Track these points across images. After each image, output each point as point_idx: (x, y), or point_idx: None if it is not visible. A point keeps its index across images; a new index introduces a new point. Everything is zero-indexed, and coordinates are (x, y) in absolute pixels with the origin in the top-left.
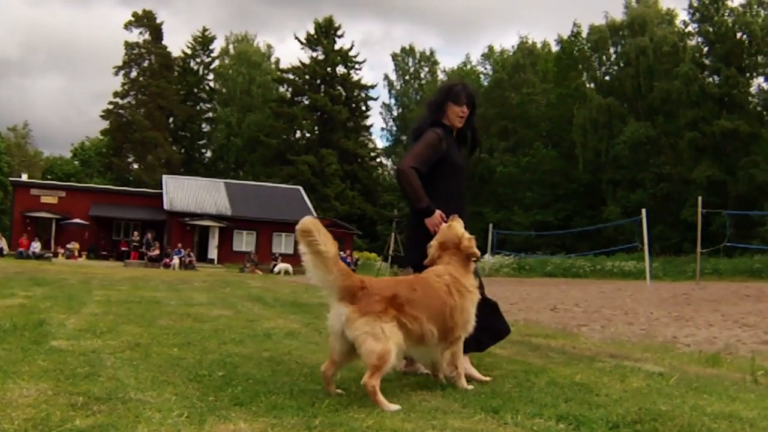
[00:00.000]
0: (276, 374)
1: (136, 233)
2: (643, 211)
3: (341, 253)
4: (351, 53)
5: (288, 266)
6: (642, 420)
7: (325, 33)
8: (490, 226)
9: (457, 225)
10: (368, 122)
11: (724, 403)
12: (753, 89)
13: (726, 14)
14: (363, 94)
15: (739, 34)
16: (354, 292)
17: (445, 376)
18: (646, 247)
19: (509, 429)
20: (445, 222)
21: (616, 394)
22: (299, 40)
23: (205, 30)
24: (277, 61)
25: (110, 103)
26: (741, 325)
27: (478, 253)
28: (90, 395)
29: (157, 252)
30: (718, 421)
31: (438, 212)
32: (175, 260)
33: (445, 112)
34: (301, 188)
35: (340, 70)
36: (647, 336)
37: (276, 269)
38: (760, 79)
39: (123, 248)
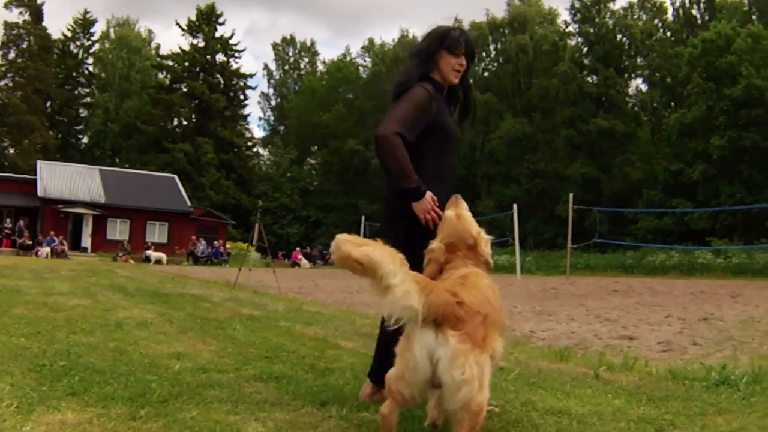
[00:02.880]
0: (116, 364)
1: (8, 220)
2: (515, 206)
3: (215, 242)
4: (231, 41)
5: (162, 255)
6: None
7: (206, 20)
8: (363, 218)
9: (468, 216)
10: (246, 111)
11: (558, 398)
12: (630, 90)
13: (607, 16)
14: (241, 83)
15: (619, 36)
16: (452, 311)
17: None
18: (516, 241)
19: (332, 422)
20: (438, 208)
21: None
22: (180, 27)
23: (86, 12)
24: (158, 47)
25: None
26: (603, 319)
27: (492, 263)
28: None
29: (29, 240)
30: (547, 417)
31: (429, 194)
32: (44, 250)
33: (437, 64)
34: (176, 177)
35: (220, 58)
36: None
37: (151, 258)
38: (638, 81)
39: None
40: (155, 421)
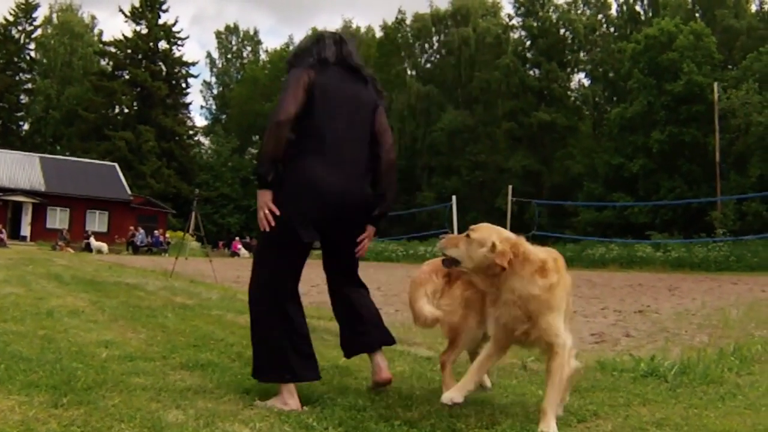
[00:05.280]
0: (44, 352)
1: None
2: (453, 197)
3: (155, 232)
4: (174, 29)
5: (103, 245)
6: (390, 405)
7: (150, 7)
8: None
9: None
10: (188, 100)
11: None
12: (573, 84)
13: (550, 10)
14: (184, 71)
15: (562, 31)
16: None
17: None
18: (455, 232)
19: (253, 410)
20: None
21: None
22: (123, 13)
23: None
24: (100, 34)
25: None
26: None
27: None
28: None
29: None
30: (468, 407)
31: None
32: None
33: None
34: (116, 165)
35: (163, 45)
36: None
37: (92, 247)
38: (581, 75)
39: None
40: (77, 409)
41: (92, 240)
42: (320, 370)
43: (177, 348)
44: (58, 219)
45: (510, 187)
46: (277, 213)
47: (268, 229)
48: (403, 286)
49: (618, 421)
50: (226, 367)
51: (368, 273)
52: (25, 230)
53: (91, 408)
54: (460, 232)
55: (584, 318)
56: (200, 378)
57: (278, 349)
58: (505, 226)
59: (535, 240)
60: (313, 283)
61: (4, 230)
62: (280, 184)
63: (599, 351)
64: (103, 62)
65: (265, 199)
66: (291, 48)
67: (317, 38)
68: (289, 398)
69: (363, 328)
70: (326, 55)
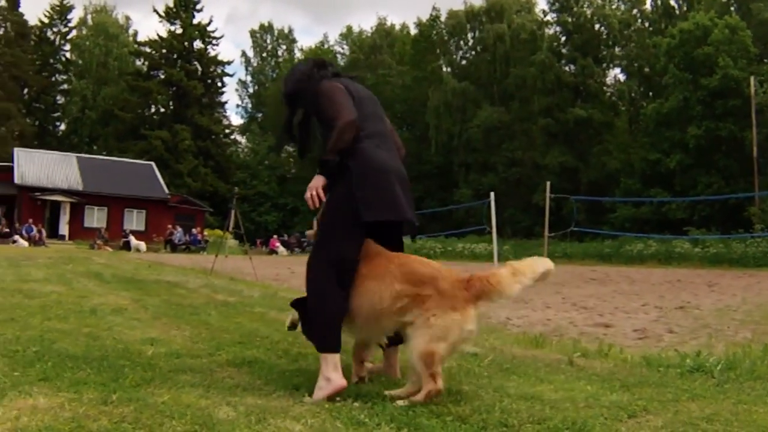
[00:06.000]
0: (89, 350)
1: None
2: (491, 194)
3: (193, 230)
4: (209, 28)
5: (142, 244)
6: (441, 400)
7: (184, 7)
8: None
9: None
10: (223, 99)
11: (531, 384)
12: (608, 80)
13: (585, 5)
14: (219, 70)
15: (597, 26)
16: None
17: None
18: (494, 229)
19: (304, 407)
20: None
21: None
22: (158, 13)
23: None
24: (135, 34)
25: None
26: (579, 307)
27: None
28: None
29: (6, 228)
30: (519, 402)
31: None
32: (21, 241)
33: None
34: (153, 164)
35: (198, 45)
36: (479, 317)
37: (130, 246)
38: (616, 71)
39: None
40: (126, 406)
41: (131, 238)
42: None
43: (222, 345)
44: (95, 218)
45: (548, 183)
46: (323, 199)
47: (312, 208)
48: None
49: (668, 416)
50: (273, 364)
51: None
52: (63, 229)
53: (141, 405)
54: (498, 229)
55: (626, 314)
56: (248, 375)
57: (332, 322)
58: (542, 223)
59: (573, 236)
60: None
61: (42, 229)
62: (344, 172)
63: (643, 347)
64: (138, 62)
65: (318, 183)
66: (326, 46)
67: (315, 63)
68: (332, 373)
69: None
70: (333, 71)
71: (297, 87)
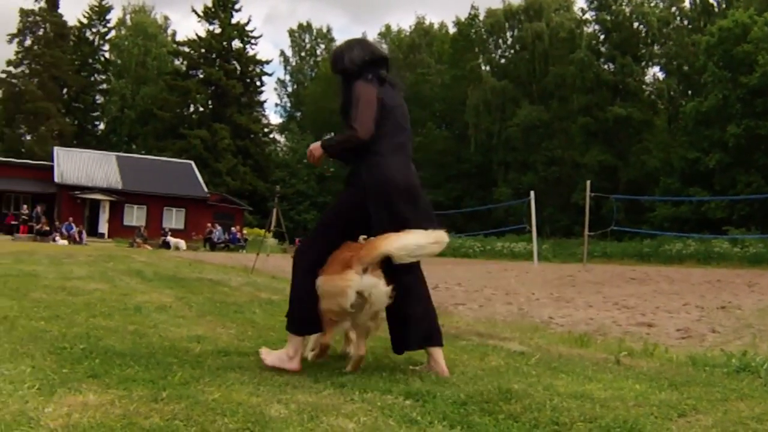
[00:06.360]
0: (136, 347)
1: (26, 206)
2: (532, 192)
3: (232, 228)
4: (248, 28)
5: (181, 242)
6: (491, 398)
7: (222, 6)
8: None
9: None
10: (262, 98)
11: (579, 383)
12: (647, 78)
13: (624, 4)
14: (258, 70)
15: (635, 24)
16: None
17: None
18: (534, 228)
19: (356, 405)
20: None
21: (471, 372)
22: (196, 13)
23: (101, 0)
24: (174, 34)
25: (3, 71)
26: (620, 307)
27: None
28: None
29: (46, 227)
30: (569, 400)
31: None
32: (60, 239)
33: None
34: (192, 163)
35: (236, 44)
36: (522, 316)
37: (170, 244)
38: (655, 69)
39: (11, 222)
40: (177, 403)
41: (170, 237)
42: (414, 362)
43: (269, 343)
44: (135, 216)
45: (588, 182)
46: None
47: (314, 160)
48: (484, 282)
49: (718, 416)
50: (320, 361)
51: (447, 269)
52: (103, 227)
53: (192, 402)
54: (537, 228)
55: (668, 314)
56: (296, 372)
57: (305, 312)
58: (581, 222)
59: (612, 235)
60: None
61: (83, 228)
62: (361, 182)
63: (687, 346)
64: (177, 62)
65: (320, 154)
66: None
67: (372, 59)
68: (294, 354)
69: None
70: (381, 74)
71: (347, 68)
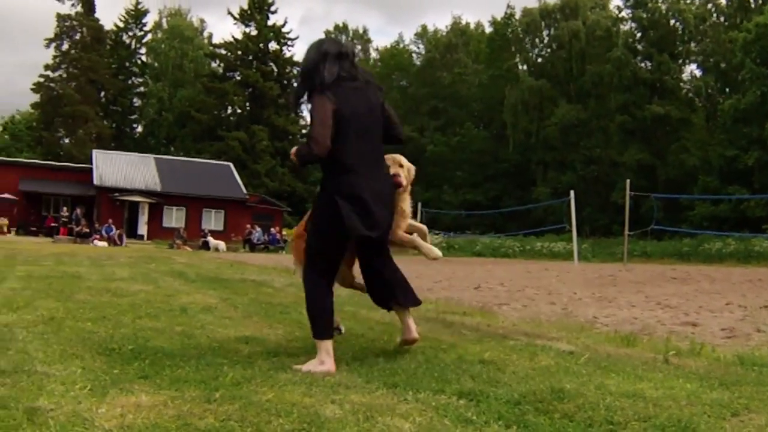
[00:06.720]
0: (185, 348)
1: (65, 209)
2: (572, 192)
3: (272, 229)
4: (284, 30)
5: (221, 243)
6: (544, 398)
7: (258, 9)
8: (419, 204)
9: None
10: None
11: (631, 382)
12: (685, 76)
13: (660, 1)
14: (295, 71)
15: (672, 22)
16: None
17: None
18: (574, 228)
19: (409, 405)
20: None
21: (523, 371)
22: (232, 16)
23: (138, 3)
24: (210, 36)
25: (41, 76)
26: (663, 306)
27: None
28: None
29: (86, 229)
30: (622, 399)
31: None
32: (100, 243)
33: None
34: (231, 164)
35: (273, 46)
36: (567, 315)
37: (210, 245)
38: (692, 67)
39: (51, 224)
40: (231, 404)
41: (210, 238)
42: (464, 362)
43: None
44: (174, 218)
45: (628, 181)
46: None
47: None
48: (526, 282)
49: None
50: (371, 362)
51: (487, 269)
52: (142, 229)
53: (245, 403)
54: (577, 227)
55: (711, 313)
56: (347, 373)
57: (324, 313)
58: (620, 222)
59: (651, 235)
60: (435, 279)
61: (122, 230)
62: (330, 195)
63: (733, 346)
64: (213, 64)
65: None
66: (401, 46)
67: (323, 54)
68: (326, 358)
69: (396, 291)
70: (335, 73)
71: (307, 71)
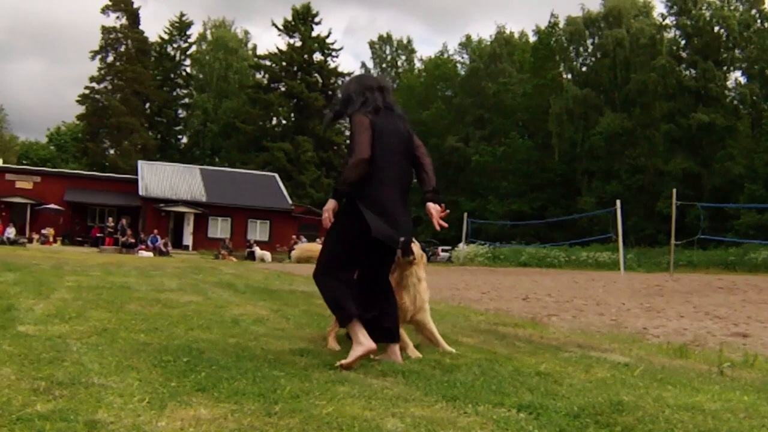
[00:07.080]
0: (240, 360)
1: (111, 219)
2: (618, 201)
3: (317, 240)
4: (328, 40)
5: (267, 254)
6: (603, 411)
7: (302, 20)
8: (465, 215)
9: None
10: None
11: (688, 394)
12: (729, 83)
13: (704, 8)
14: (339, 82)
15: (716, 28)
16: None
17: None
18: (620, 237)
19: (470, 418)
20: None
21: (579, 384)
22: (276, 27)
23: (182, 15)
24: (254, 48)
25: (86, 87)
26: (712, 317)
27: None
28: (53, 380)
29: (131, 239)
30: (680, 412)
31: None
32: (146, 253)
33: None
34: (276, 175)
35: (317, 57)
36: (617, 326)
37: (255, 256)
38: (737, 74)
39: (97, 234)
40: (291, 417)
41: (256, 248)
42: (520, 374)
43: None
44: (219, 228)
45: (674, 190)
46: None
47: (328, 226)
48: (573, 292)
49: None
50: (428, 374)
51: (534, 278)
52: (187, 239)
53: (306, 416)
54: (624, 237)
55: (761, 323)
56: (404, 386)
57: (338, 301)
58: (666, 231)
59: (697, 244)
60: (482, 290)
61: (168, 241)
62: (355, 201)
63: None
64: (258, 75)
65: (330, 206)
66: (445, 56)
67: (366, 88)
68: (361, 338)
69: (382, 319)
70: (377, 104)
71: (348, 96)
